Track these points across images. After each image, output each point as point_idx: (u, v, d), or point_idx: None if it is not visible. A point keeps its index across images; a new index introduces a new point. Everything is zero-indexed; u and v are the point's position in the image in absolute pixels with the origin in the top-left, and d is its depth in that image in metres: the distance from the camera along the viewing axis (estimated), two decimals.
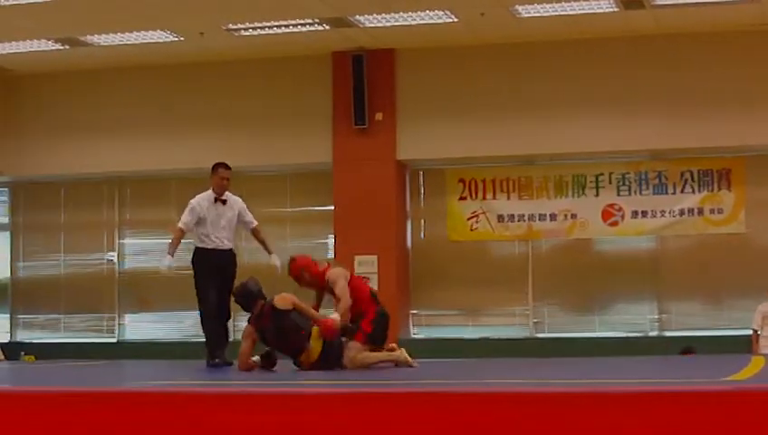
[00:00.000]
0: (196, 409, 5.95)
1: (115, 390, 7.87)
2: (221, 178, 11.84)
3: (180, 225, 11.73)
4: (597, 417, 5.34)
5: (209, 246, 11.72)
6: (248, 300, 10.80)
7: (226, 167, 11.92)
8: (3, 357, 17.51)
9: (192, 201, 11.80)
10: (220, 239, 11.75)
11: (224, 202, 11.82)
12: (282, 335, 10.58)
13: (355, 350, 10.69)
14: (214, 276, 11.64)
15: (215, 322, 11.72)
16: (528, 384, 8.20)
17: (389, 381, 9.11)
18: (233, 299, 11.12)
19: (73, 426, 5.80)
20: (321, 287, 11.02)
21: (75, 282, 18.74)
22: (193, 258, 11.86)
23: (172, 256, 11.67)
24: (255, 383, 8.88)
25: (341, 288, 10.73)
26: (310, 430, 5.29)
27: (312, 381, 9.25)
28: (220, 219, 11.77)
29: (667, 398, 5.79)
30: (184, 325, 18.24)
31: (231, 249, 11.89)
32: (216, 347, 11.68)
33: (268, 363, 10.76)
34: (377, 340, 10.93)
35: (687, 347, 15.73)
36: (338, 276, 10.83)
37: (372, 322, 10.85)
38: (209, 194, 11.84)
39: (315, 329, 10.58)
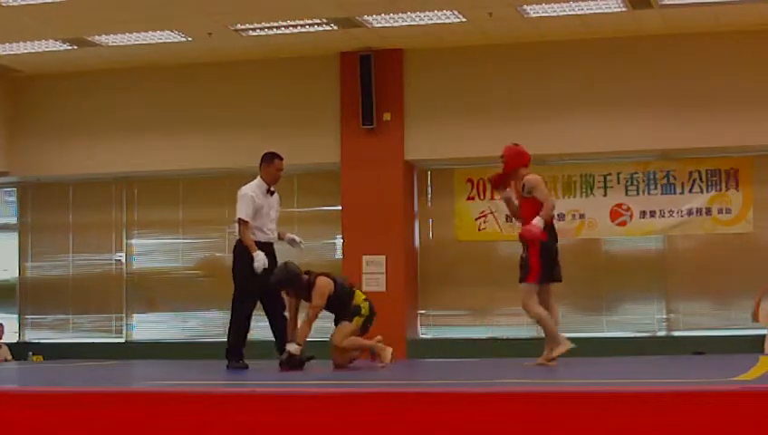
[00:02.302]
0: (198, 409, 5.96)
1: (123, 390, 7.88)
2: (277, 169, 11.62)
3: (245, 218, 11.33)
4: (603, 417, 5.33)
5: (261, 239, 11.40)
6: (295, 279, 11.03)
7: (281, 158, 11.70)
8: (11, 357, 17.54)
9: (246, 191, 11.48)
10: (271, 231, 11.54)
11: (272, 193, 11.60)
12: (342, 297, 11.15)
13: (528, 294, 10.82)
14: (261, 272, 11.26)
15: (247, 324, 11.45)
16: (531, 384, 8.19)
17: (389, 381, 9.11)
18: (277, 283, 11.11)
19: (82, 426, 5.80)
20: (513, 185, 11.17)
21: (83, 282, 18.75)
22: (239, 254, 11.44)
23: (257, 250, 11.26)
24: (256, 384, 8.88)
25: (544, 193, 10.86)
26: (310, 430, 5.29)
27: (312, 381, 9.25)
28: (270, 211, 11.54)
29: (675, 398, 5.78)
30: (191, 325, 18.28)
31: (273, 243, 11.64)
32: (241, 349, 11.41)
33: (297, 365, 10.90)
34: (545, 276, 10.86)
35: (698, 351, 15.69)
36: (538, 181, 10.89)
37: (541, 255, 10.78)
38: (260, 183, 11.57)
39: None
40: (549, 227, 10.78)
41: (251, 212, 11.35)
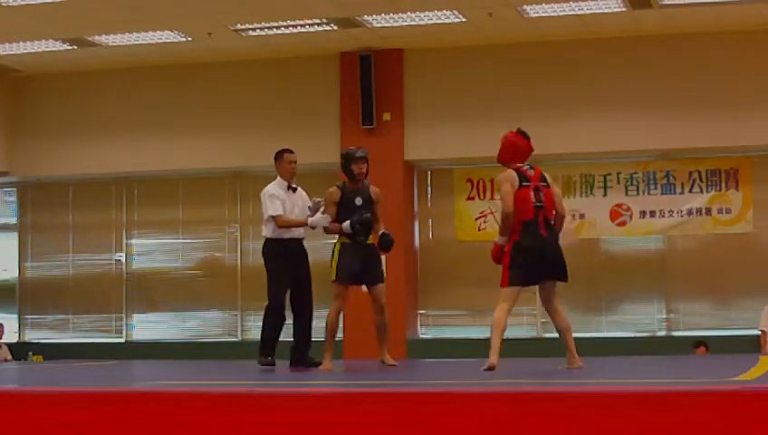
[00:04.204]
0: (198, 409, 5.96)
1: (123, 390, 7.88)
2: (289, 162, 11.53)
3: (276, 214, 11.20)
4: (603, 417, 5.33)
5: (286, 236, 11.33)
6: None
7: (291, 151, 11.62)
8: (11, 357, 17.54)
9: (269, 190, 11.37)
10: (297, 229, 11.42)
11: (294, 190, 11.51)
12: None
13: (501, 297, 10.08)
14: (290, 270, 11.28)
15: (280, 320, 11.26)
16: (530, 384, 8.19)
17: (389, 381, 9.11)
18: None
19: (82, 426, 5.80)
20: None
21: (83, 282, 18.75)
22: (267, 252, 11.40)
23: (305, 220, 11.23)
24: (255, 383, 8.88)
25: (502, 196, 9.90)
26: (310, 430, 5.29)
27: (312, 381, 9.25)
28: (294, 208, 11.40)
29: (675, 398, 5.79)
30: (191, 325, 18.28)
31: (303, 239, 11.56)
32: (272, 346, 11.22)
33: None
34: (518, 278, 9.90)
35: (700, 341, 15.70)
36: (502, 181, 9.93)
37: (510, 252, 9.88)
38: (280, 182, 11.48)
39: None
40: (529, 224, 9.88)
41: (278, 205, 11.26)
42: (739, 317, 16.39)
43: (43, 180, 18.82)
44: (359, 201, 11.23)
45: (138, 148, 17.92)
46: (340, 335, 16.66)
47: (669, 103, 16.19)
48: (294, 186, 11.57)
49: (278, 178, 11.58)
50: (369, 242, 11.25)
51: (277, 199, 11.31)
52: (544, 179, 10.07)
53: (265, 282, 11.46)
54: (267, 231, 11.41)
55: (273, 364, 11.14)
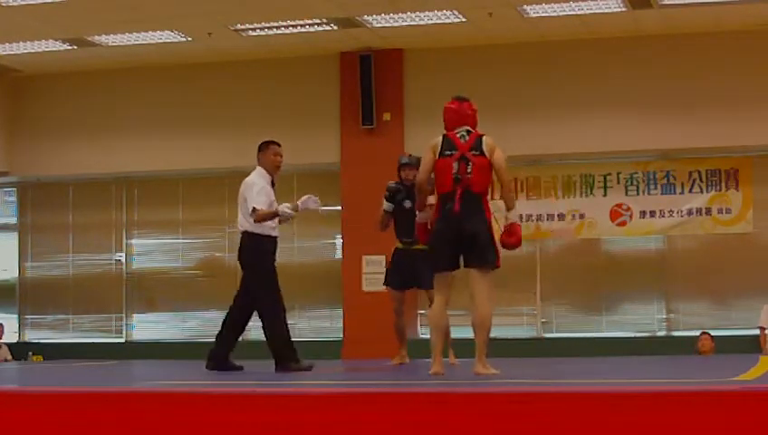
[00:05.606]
0: (198, 409, 5.96)
1: (123, 390, 7.88)
2: (275, 154, 10.80)
3: (260, 206, 10.42)
4: (603, 417, 5.33)
5: (273, 234, 10.68)
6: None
7: (279, 144, 10.96)
8: (11, 357, 17.54)
9: (256, 181, 10.62)
10: (276, 227, 10.78)
11: (273, 184, 10.83)
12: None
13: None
14: (275, 267, 10.69)
15: (282, 311, 10.59)
16: (531, 384, 8.19)
17: (389, 381, 9.11)
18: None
19: (82, 426, 5.80)
20: None
21: (83, 282, 18.76)
22: (255, 249, 10.57)
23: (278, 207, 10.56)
24: (256, 384, 8.88)
25: (422, 161, 9.30)
26: (310, 429, 5.28)
27: (312, 381, 9.25)
28: (274, 203, 10.69)
29: (675, 398, 5.79)
30: (191, 325, 18.28)
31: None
32: (291, 344, 10.57)
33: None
34: (438, 264, 9.02)
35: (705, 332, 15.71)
36: (427, 149, 9.31)
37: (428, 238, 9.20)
38: (263, 174, 10.75)
39: None
40: (445, 198, 9.03)
41: (264, 200, 10.51)
42: (739, 317, 16.39)
43: (43, 180, 18.83)
44: (407, 204, 11.63)
45: (138, 148, 17.92)
46: (339, 336, 16.79)
47: (669, 103, 16.19)
48: (274, 181, 10.90)
49: (259, 169, 10.85)
50: (419, 247, 11.00)
51: (263, 192, 10.58)
52: (478, 147, 9.20)
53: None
54: (254, 225, 10.60)
55: (310, 367, 10.45)
